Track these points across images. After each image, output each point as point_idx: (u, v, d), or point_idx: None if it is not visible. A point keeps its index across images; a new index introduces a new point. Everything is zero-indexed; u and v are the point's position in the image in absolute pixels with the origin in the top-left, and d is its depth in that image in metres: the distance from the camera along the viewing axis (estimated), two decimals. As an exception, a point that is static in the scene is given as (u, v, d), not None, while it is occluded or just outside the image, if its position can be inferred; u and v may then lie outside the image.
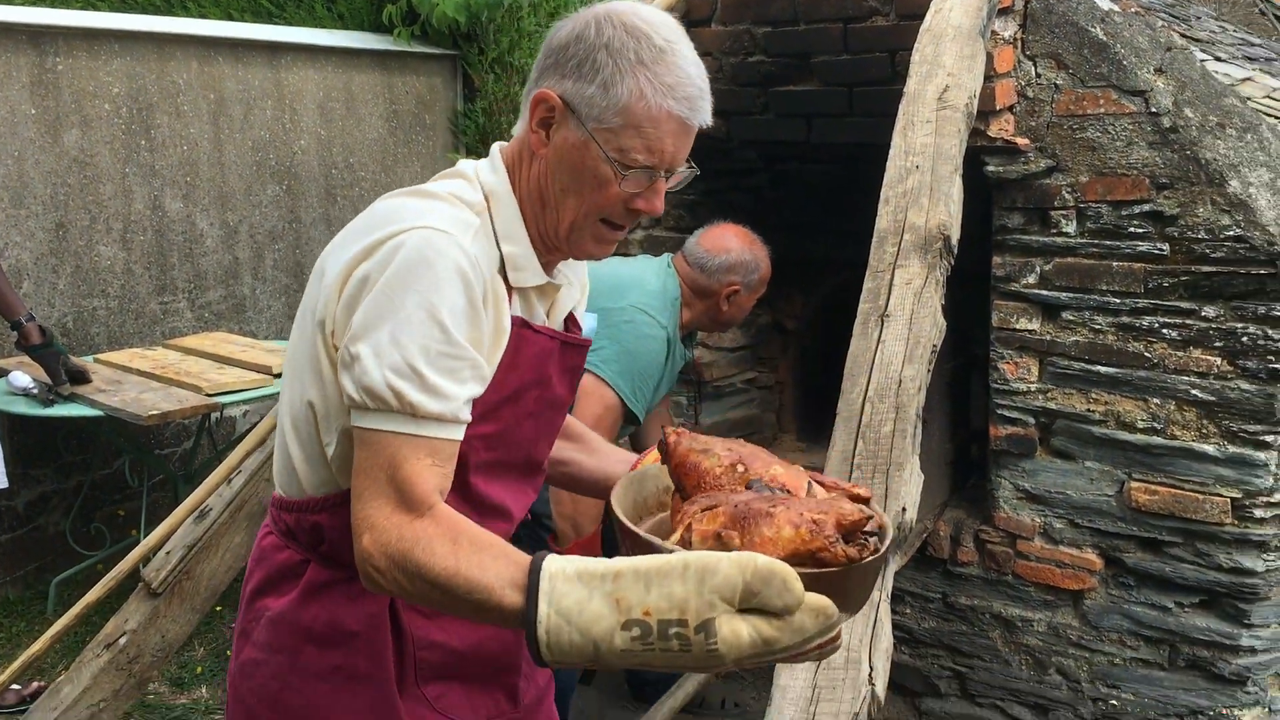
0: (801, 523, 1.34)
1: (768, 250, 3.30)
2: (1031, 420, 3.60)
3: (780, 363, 4.73)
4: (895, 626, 4.03)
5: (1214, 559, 3.31)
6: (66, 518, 4.99)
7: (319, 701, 1.65)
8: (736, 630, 1.21)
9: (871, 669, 2.21)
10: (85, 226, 5.18)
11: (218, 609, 4.55)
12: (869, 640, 2.24)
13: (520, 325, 1.60)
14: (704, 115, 1.56)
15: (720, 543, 1.37)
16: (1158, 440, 3.36)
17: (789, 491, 1.49)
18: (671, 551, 1.30)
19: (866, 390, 2.54)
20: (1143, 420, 3.38)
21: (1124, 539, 3.47)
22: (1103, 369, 3.43)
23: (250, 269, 5.92)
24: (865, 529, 1.38)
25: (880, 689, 2.23)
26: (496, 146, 1.66)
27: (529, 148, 1.59)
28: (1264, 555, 3.26)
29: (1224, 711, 3.37)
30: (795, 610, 1.22)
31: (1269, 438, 3.19)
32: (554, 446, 1.86)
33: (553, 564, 1.28)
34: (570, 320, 1.79)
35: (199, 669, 4.14)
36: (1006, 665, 3.77)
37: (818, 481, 1.55)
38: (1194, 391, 3.28)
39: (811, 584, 1.25)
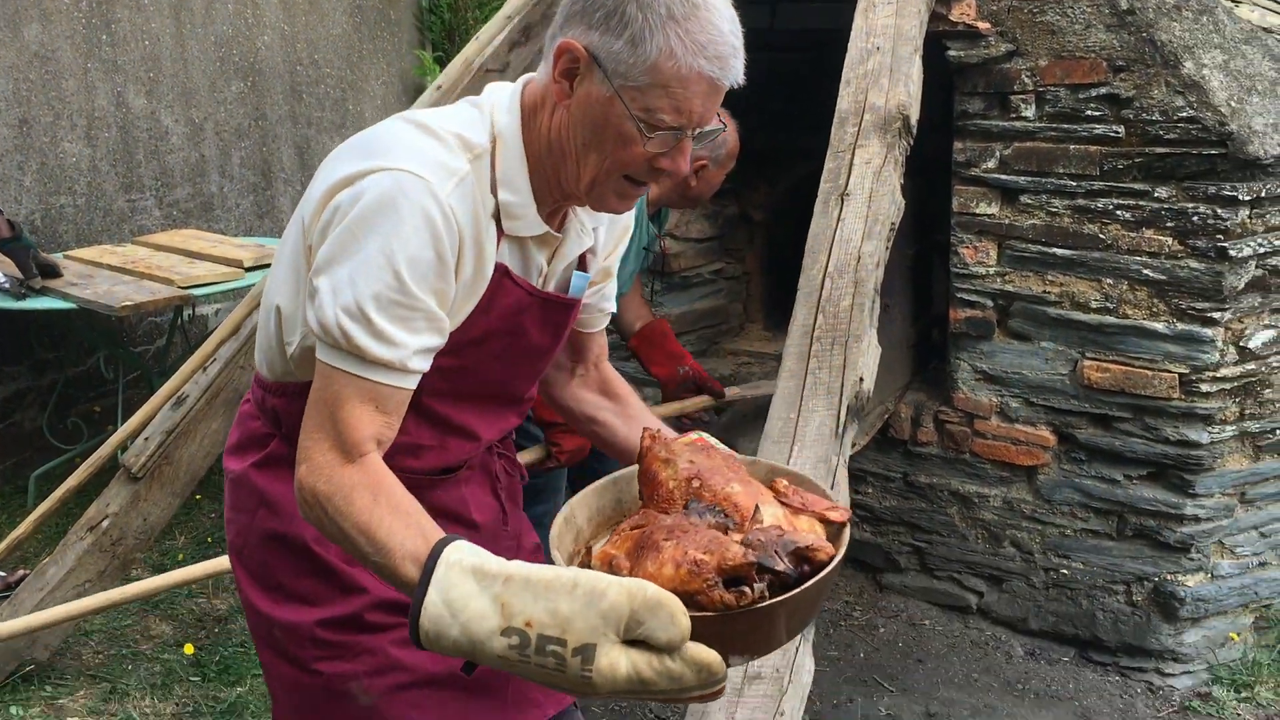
0: (684, 562, 1.30)
1: (735, 125, 3.32)
2: (990, 303, 3.69)
3: (747, 253, 4.80)
4: (858, 506, 4.17)
5: (1161, 433, 3.44)
6: (42, 414, 5.04)
7: (273, 562, 1.74)
8: (615, 663, 1.20)
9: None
10: (49, 123, 5.14)
11: (197, 498, 4.64)
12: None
13: (502, 273, 1.58)
14: (736, 74, 1.49)
15: (610, 569, 1.36)
16: (1110, 319, 3.46)
17: (727, 515, 1.42)
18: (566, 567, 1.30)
19: (826, 267, 2.61)
20: (1096, 300, 3.48)
21: (1076, 416, 3.60)
22: (1059, 251, 3.51)
23: (217, 167, 5.90)
24: (768, 571, 1.31)
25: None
26: (521, 82, 1.60)
27: (551, 96, 1.53)
28: (1209, 428, 3.39)
29: (1168, 577, 3.53)
30: (679, 645, 1.20)
31: (1216, 314, 3.29)
32: (590, 403, 1.87)
33: (453, 553, 1.29)
34: (582, 259, 1.74)
35: (181, 556, 4.24)
36: (963, 539, 3.91)
37: (783, 501, 1.49)
38: (1146, 271, 3.37)
39: (696, 626, 1.23)
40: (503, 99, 1.58)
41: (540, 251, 1.64)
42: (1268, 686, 3.51)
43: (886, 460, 4.06)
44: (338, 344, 1.44)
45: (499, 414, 1.78)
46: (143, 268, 4.48)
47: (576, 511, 1.59)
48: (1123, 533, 3.60)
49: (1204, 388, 3.35)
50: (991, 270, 3.66)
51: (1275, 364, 3.43)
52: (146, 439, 3.40)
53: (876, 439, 4.02)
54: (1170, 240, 3.32)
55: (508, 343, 1.65)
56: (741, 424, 3.96)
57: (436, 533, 1.35)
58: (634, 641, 1.21)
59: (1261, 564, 3.61)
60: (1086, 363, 3.53)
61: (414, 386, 1.49)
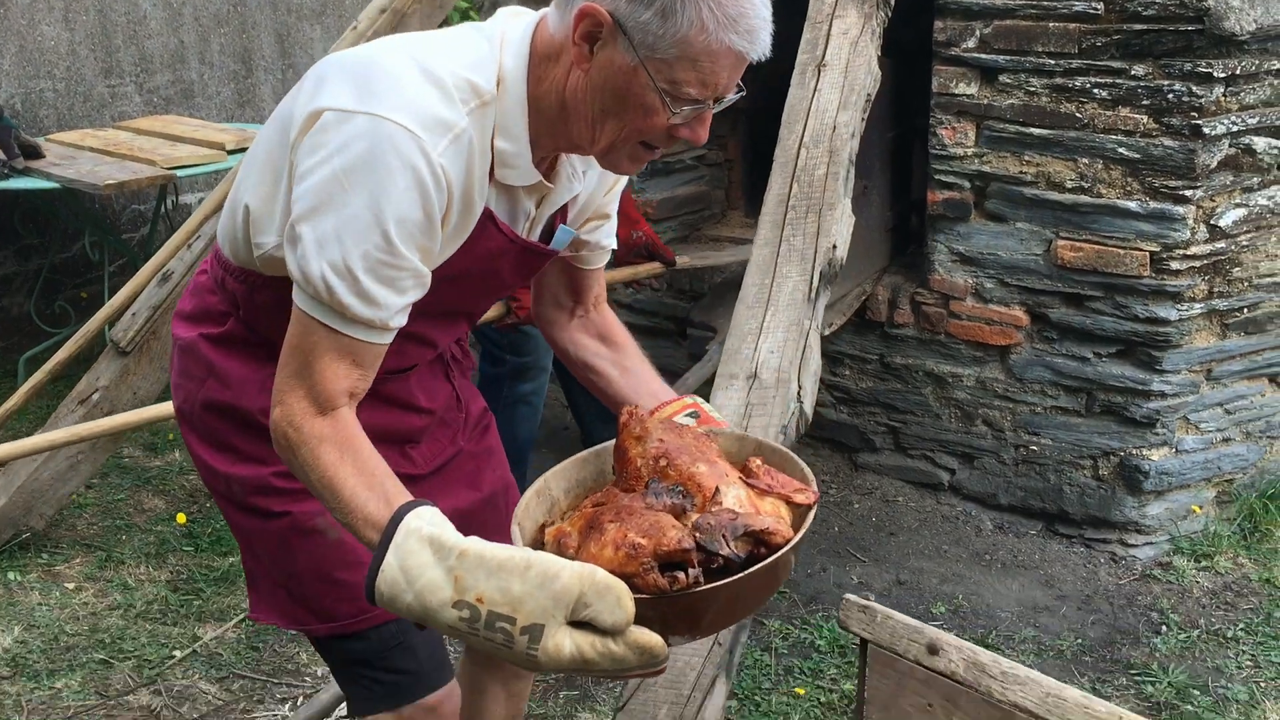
0: (623, 545, 1.33)
1: None
2: (967, 184, 3.73)
3: (730, 140, 4.81)
4: (834, 388, 4.25)
5: (1131, 310, 3.51)
6: (29, 299, 5.08)
7: (222, 429, 1.75)
8: (560, 644, 1.24)
9: (800, 388, 2.39)
10: (26, 5, 5.09)
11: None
12: (799, 362, 2.42)
13: (487, 218, 1.55)
14: (764, 48, 1.46)
15: (559, 546, 1.40)
16: (1085, 199, 3.51)
17: (687, 495, 1.44)
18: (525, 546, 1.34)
19: (802, 137, 2.65)
20: (1071, 180, 3.52)
21: (1049, 295, 3.67)
22: (1036, 131, 3.55)
23: (197, 54, 5.85)
24: (708, 557, 1.34)
25: (808, 406, 2.42)
26: (533, 21, 1.54)
27: (568, 55, 1.47)
28: (1178, 305, 3.46)
29: (1134, 452, 3.63)
30: (623, 629, 1.24)
31: (1188, 192, 3.35)
32: (589, 349, 1.86)
33: (413, 520, 1.31)
34: (562, 213, 1.71)
35: (170, 435, 4.31)
36: (937, 419, 4.01)
37: (749, 482, 1.49)
38: (1121, 150, 3.41)
39: (637, 607, 1.27)
40: (514, 36, 1.52)
41: (529, 197, 1.62)
42: (1226, 557, 3.64)
43: (863, 342, 4.14)
44: (319, 296, 1.42)
45: (456, 325, 1.82)
46: (125, 150, 4.48)
47: (552, 483, 1.60)
48: (1091, 409, 3.69)
49: (1174, 265, 3.42)
50: (969, 151, 3.69)
51: (1244, 243, 3.49)
52: (134, 314, 3.45)
53: (854, 321, 4.09)
54: (1145, 118, 3.36)
55: (480, 280, 1.65)
56: (723, 302, 4.03)
57: (401, 496, 1.37)
58: (580, 622, 1.25)
59: (1225, 439, 3.72)
60: (1060, 242, 3.59)
61: (389, 341, 1.49)
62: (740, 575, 1.34)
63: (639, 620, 1.28)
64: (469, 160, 1.47)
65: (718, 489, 1.44)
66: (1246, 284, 3.54)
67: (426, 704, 1.75)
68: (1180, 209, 3.37)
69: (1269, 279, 3.57)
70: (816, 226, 2.51)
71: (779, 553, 1.38)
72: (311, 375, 1.44)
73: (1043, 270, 3.65)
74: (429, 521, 1.32)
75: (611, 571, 1.29)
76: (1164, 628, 3.32)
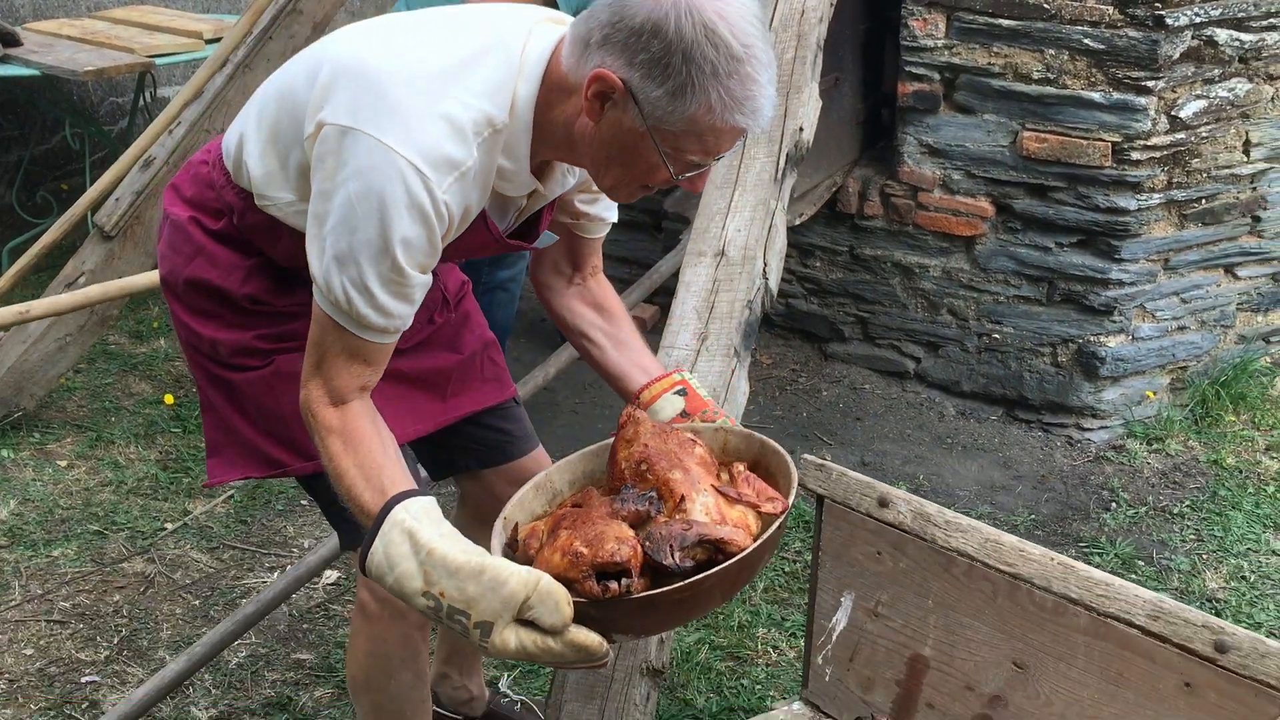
0: (568, 552, 1.48)
1: None
2: (937, 76, 3.80)
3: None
4: (805, 279, 4.36)
5: (1093, 200, 3.62)
6: (11, 190, 5.11)
7: (206, 303, 1.83)
8: (506, 640, 1.41)
9: (766, 265, 2.49)
10: (-3, -108, 5.03)
11: (168, 268, 4.78)
12: (765, 240, 2.51)
13: (481, 218, 1.66)
14: (767, 122, 1.55)
15: (525, 546, 1.56)
16: (1050, 90, 3.59)
17: (657, 500, 1.57)
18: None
19: (771, 20, 2.71)
20: (1038, 71, 3.59)
21: (1014, 186, 3.76)
22: (1005, 22, 3.61)
23: (172, -56, 5.79)
24: (656, 568, 1.49)
25: (773, 283, 2.53)
26: (551, 45, 1.58)
27: (579, 98, 1.53)
28: (1137, 195, 3.56)
29: (1092, 339, 3.76)
30: (561, 630, 1.41)
31: (1150, 83, 3.43)
32: (585, 318, 1.95)
33: (399, 513, 1.49)
34: (553, 204, 1.82)
35: (155, 324, 4.40)
36: (904, 309, 4.12)
37: (720, 490, 1.59)
38: (1086, 41, 3.48)
39: (579, 609, 1.43)
40: (532, 58, 1.57)
41: (522, 195, 1.72)
42: (1178, 440, 3.80)
43: (834, 234, 4.23)
44: (339, 305, 1.55)
45: None
46: (102, 39, 4.49)
47: (555, 476, 1.75)
48: (1052, 298, 3.81)
49: (1135, 156, 3.51)
50: (940, 43, 3.75)
51: (1204, 134, 3.59)
52: (117, 200, 3.51)
53: (825, 213, 4.18)
54: (1111, 9, 3.42)
55: (459, 255, 1.78)
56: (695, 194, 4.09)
57: (394, 487, 1.53)
58: (527, 620, 1.42)
59: (1180, 328, 3.85)
60: (1026, 133, 3.67)
61: (397, 339, 1.64)
62: (678, 585, 1.48)
63: (583, 620, 1.44)
64: (473, 190, 1.58)
65: (683, 497, 1.57)
66: (1205, 175, 3.64)
67: None
68: (1142, 100, 3.45)
69: (1227, 171, 3.67)
70: (784, 110, 2.58)
71: (718, 567, 1.51)
72: (326, 371, 1.59)
73: (1008, 161, 3.74)
74: (413, 515, 1.49)
75: (557, 575, 1.46)
76: (1114, 505, 3.48)
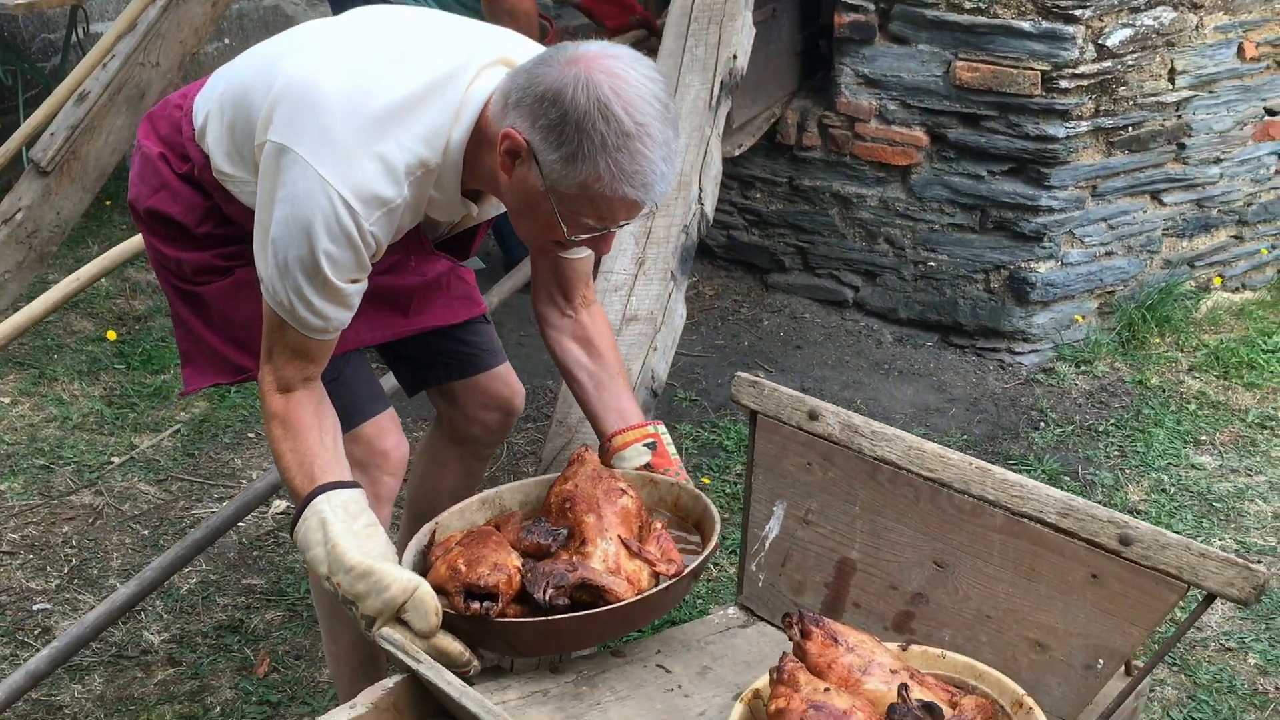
0: (451, 566, 1.64)
1: None
2: (872, 6, 3.84)
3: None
4: (746, 210, 4.41)
5: (1023, 128, 3.69)
6: (-60, 129, 5.02)
7: (169, 231, 1.93)
8: (383, 637, 1.58)
9: (701, 190, 2.54)
10: None
11: (107, 202, 4.74)
12: (700, 166, 2.56)
13: (416, 230, 1.77)
14: (660, 197, 1.61)
15: (433, 553, 1.72)
16: (982, 20, 3.65)
17: (559, 539, 1.71)
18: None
19: (706, -50, 2.74)
20: (970, 1, 3.65)
21: (948, 115, 3.83)
22: (938, -47, 3.66)
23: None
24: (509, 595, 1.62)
25: (709, 208, 2.58)
26: (484, 97, 1.66)
27: (495, 160, 1.63)
28: (1066, 123, 3.64)
29: (1023, 265, 3.86)
30: (428, 635, 1.56)
31: (1078, 12, 3.50)
32: (572, 356, 2.02)
33: (320, 504, 1.65)
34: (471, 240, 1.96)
35: (94, 262, 4.37)
36: (842, 239, 4.20)
37: (625, 544, 1.70)
38: (1016, -29, 3.54)
39: (450, 619, 1.58)
40: (470, 107, 1.65)
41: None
42: (1105, 362, 3.92)
43: (774, 165, 4.28)
44: (283, 305, 1.67)
45: None
46: (32, -28, 4.41)
47: (505, 495, 1.90)
48: (984, 226, 3.90)
49: (1063, 84, 3.59)
50: (875, -26, 3.79)
51: (1130, 62, 3.67)
52: (52, 134, 3.47)
53: (764, 145, 4.23)
54: (1040, -60, 3.48)
55: (390, 257, 1.86)
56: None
57: (324, 476, 1.68)
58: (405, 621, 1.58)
59: (1108, 253, 3.96)
60: (959, 63, 3.73)
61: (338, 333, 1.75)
62: (529, 620, 1.61)
63: (455, 630, 1.60)
64: (402, 219, 1.69)
65: (585, 540, 1.70)
66: (1131, 103, 3.73)
67: (360, 433, 1.95)
68: (1070, 28, 3.52)
69: (1152, 98, 3.76)
70: (718, 37, 2.62)
71: (578, 613, 1.61)
72: (275, 360, 1.73)
73: (942, 91, 3.80)
74: (331, 507, 1.64)
75: (437, 585, 1.62)
76: (1042, 425, 3.60)
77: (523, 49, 1.76)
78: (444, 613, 1.59)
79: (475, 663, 1.61)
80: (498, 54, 1.72)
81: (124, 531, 2.95)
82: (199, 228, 1.89)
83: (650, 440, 1.97)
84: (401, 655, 1.57)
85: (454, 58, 1.68)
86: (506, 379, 2.20)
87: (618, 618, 1.64)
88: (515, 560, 1.67)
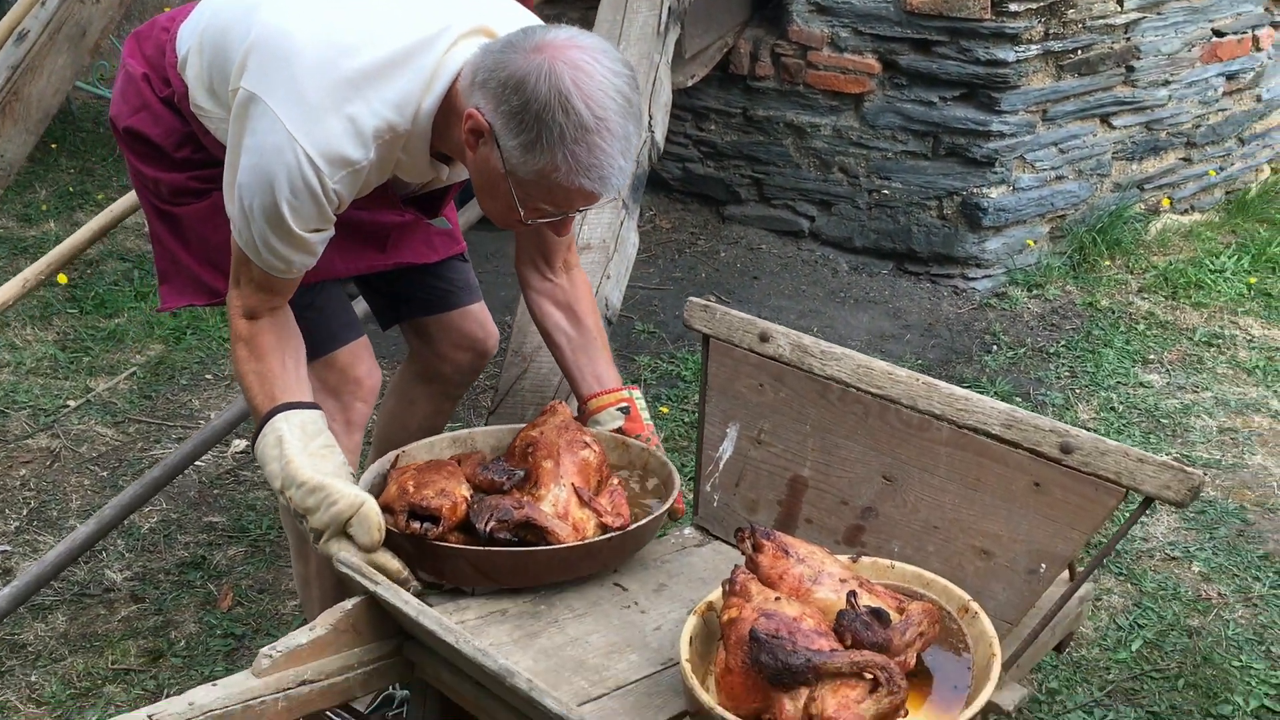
0: (401, 487, 1.68)
1: None
2: (823, -68, 3.83)
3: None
4: (701, 143, 4.41)
5: (974, 53, 3.70)
6: (-123, 74, 4.90)
7: (146, 150, 1.94)
8: (329, 547, 1.63)
9: (651, 118, 2.54)
10: None
11: (53, 146, 4.67)
12: (650, 93, 2.56)
13: (383, 187, 1.79)
14: (616, 189, 1.62)
15: (390, 475, 1.76)
16: (932, -56, 3.64)
17: (514, 478, 1.73)
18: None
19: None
20: (920, -74, 3.65)
21: (899, 42, 3.83)
22: (887, -124, 3.64)
23: None
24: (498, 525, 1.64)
25: (659, 136, 2.58)
26: (456, 68, 1.65)
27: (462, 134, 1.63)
28: (1015, 48, 3.66)
29: (975, 191, 3.89)
30: (371, 550, 1.61)
31: (1026, -65, 3.50)
32: (552, 320, 2.03)
33: (278, 421, 1.70)
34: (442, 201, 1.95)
35: (44, 207, 4.32)
36: (797, 168, 4.21)
37: (577, 493, 1.71)
38: (965, -106, 3.53)
39: (393, 538, 1.63)
40: (442, 77, 1.65)
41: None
42: (1056, 285, 3.97)
43: (727, 96, 4.28)
44: (250, 244, 1.70)
45: None
46: (-36, -91, 4.29)
47: (478, 437, 1.91)
48: (937, 152, 3.92)
49: (1012, 7, 3.60)
50: (825, -101, 3.77)
51: (1079, -14, 3.68)
52: (-7, 75, 3.41)
53: (718, 76, 4.22)
54: None
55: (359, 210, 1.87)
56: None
57: (284, 396, 1.73)
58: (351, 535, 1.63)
59: (1058, 177, 3.99)
60: (909, -12, 3.73)
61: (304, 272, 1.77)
62: (462, 548, 1.63)
63: (397, 549, 1.64)
64: (368, 178, 1.70)
65: (539, 484, 1.72)
66: (1080, 26, 3.75)
67: (333, 360, 1.96)
68: (1019, -48, 3.52)
69: (1101, 21, 3.78)
70: (665, -37, 2.61)
71: (513, 549, 1.64)
72: (243, 289, 1.76)
73: (893, 17, 3.80)
74: (289, 426, 1.69)
75: (386, 504, 1.66)
76: (995, 348, 3.65)
77: (506, 18, 1.75)
78: (388, 531, 1.62)
79: (414, 582, 1.65)
80: (477, 22, 1.71)
81: (82, 473, 2.95)
82: (177, 151, 1.90)
83: (624, 405, 2.00)
84: (359, 578, 1.59)
85: (433, 23, 1.68)
86: (480, 319, 2.21)
87: (555, 560, 1.66)
88: (464, 490, 1.70)
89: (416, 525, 1.63)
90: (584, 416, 1.99)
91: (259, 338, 1.77)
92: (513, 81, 1.54)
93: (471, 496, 1.69)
